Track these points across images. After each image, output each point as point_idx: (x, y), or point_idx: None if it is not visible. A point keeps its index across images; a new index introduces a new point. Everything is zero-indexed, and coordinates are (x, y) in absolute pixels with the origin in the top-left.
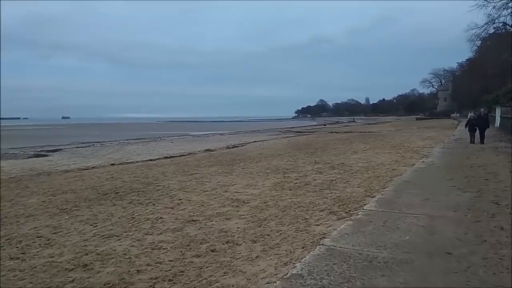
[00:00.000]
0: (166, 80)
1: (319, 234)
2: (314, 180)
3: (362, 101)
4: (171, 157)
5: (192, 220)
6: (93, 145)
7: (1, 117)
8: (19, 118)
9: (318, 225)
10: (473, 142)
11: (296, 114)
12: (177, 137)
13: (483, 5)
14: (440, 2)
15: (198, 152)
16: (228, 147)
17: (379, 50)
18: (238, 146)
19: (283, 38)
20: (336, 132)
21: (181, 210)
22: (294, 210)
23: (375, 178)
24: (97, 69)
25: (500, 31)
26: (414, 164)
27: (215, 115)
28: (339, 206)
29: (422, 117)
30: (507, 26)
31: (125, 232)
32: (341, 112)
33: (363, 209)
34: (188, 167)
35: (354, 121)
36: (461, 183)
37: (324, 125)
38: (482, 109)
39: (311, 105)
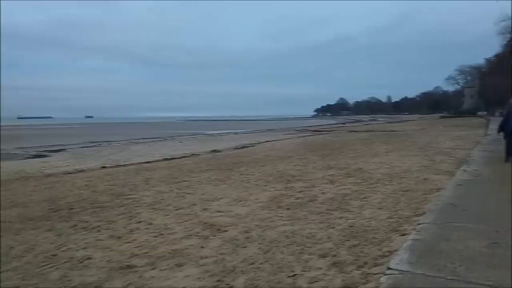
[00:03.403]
0: (190, 80)
1: None
2: (322, 193)
3: (384, 99)
4: (171, 159)
5: (128, 266)
6: (100, 145)
7: (33, 116)
8: (51, 117)
9: None
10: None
11: (315, 113)
12: (190, 137)
13: None
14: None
15: (203, 153)
16: (236, 148)
17: (401, 48)
18: (247, 147)
19: (307, 38)
20: (356, 131)
21: (128, 242)
22: (282, 251)
23: (403, 194)
24: (124, 70)
25: None
26: (448, 171)
27: (239, 114)
28: (350, 248)
29: (447, 115)
30: None
31: None
32: (362, 110)
33: (390, 269)
34: (180, 172)
35: (375, 119)
36: None
37: (344, 124)
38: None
39: (331, 104)
